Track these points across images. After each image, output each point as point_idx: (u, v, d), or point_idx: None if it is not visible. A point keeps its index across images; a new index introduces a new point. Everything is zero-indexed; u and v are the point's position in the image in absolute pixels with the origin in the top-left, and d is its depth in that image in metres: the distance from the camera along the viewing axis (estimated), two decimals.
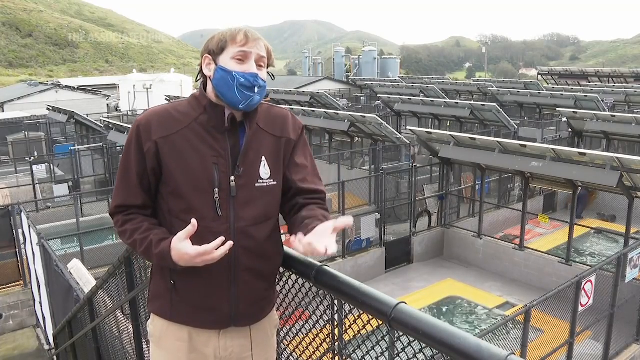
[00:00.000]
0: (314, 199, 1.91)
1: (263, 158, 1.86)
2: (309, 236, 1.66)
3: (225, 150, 1.80)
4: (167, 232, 1.80)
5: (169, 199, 1.83)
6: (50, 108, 27.67)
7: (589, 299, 7.67)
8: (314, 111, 20.09)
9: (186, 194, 1.79)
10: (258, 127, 1.88)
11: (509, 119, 19.39)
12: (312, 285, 1.81)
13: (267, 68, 1.88)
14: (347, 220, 1.69)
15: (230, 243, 1.68)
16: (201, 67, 1.88)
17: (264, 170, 1.85)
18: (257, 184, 1.84)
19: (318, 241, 1.62)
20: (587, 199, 16.15)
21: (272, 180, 1.86)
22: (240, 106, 1.79)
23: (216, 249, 1.66)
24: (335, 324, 1.99)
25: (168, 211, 1.84)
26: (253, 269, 1.85)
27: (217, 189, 1.78)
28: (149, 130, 1.80)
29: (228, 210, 1.80)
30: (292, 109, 21.61)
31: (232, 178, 1.80)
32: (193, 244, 1.74)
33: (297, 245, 1.65)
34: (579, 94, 24.22)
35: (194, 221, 1.67)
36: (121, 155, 1.88)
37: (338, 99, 31.89)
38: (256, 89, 1.79)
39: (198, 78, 1.92)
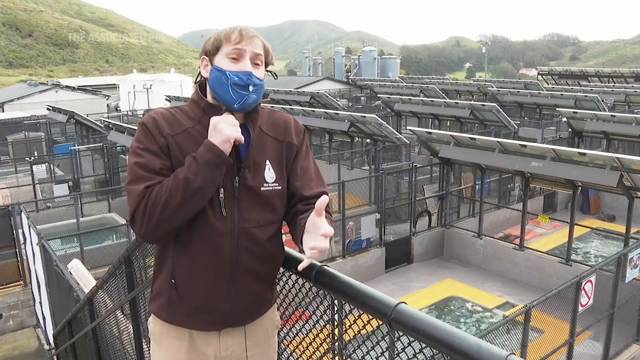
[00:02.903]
0: (314, 202, 1.91)
1: (267, 162, 1.86)
2: (305, 240, 1.68)
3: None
4: None
5: None
6: (50, 108, 27.67)
7: (589, 299, 7.67)
8: (314, 111, 20.09)
9: None
10: (261, 130, 1.88)
11: (509, 119, 19.40)
12: (312, 285, 1.81)
13: (266, 67, 1.87)
14: (323, 200, 1.68)
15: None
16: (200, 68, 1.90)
17: (269, 174, 1.85)
18: (262, 188, 1.83)
19: (315, 239, 1.65)
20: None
21: (277, 184, 1.86)
22: (235, 105, 1.78)
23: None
24: (335, 324, 1.99)
25: None
26: (254, 270, 1.85)
27: (222, 189, 1.78)
28: (158, 127, 1.78)
29: (232, 210, 1.80)
30: (292, 109, 21.61)
31: (237, 179, 1.80)
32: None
33: (305, 262, 1.67)
34: (579, 94, 24.22)
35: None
36: (129, 160, 1.80)
37: (338, 99, 31.88)
38: (251, 88, 1.77)
39: (197, 80, 1.92)
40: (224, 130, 1.70)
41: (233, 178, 1.79)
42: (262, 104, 1.94)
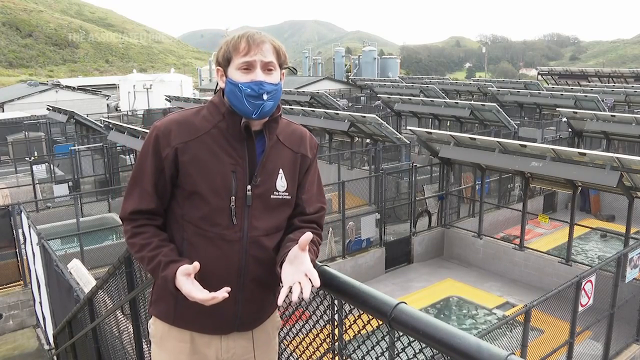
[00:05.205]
0: (310, 223, 1.93)
1: (280, 170, 1.86)
2: (285, 270, 1.70)
3: (244, 158, 1.80)
4: (176, 251, 1.79)
5: (184, 204, 1.82)
6: (50, 108, 27.68)
7: (589, 299, 7.67)
8: (314, 111, 20.09)
9: (203, 200, 1.78)
10: (277, 139, 1.88)
11: (509, 119, 19.41)
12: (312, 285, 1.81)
13: (282, 67, 1.86)
14: (307, 236, 1.68)
15: (227, 289, 1.68)
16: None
17: (281, 183, 1.86)
18: (272, 196, 1.84)
19: (293, 282, 1.64)
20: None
21: (287, 194, 1.87)
22: (253, 116, 1.78)
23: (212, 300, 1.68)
24: (335, 324, 1.99)
25: (182, 216, 1.83)
26: (260, 278, 1.86)
27: (233, 197, 1.77)
28: (168, 136, 1.79)
29: (242, 219, 1.80)
30: (292, 109, 21.61)
31: (249, 187, 1.80)
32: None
33: (282, 297, 1.63)
34: (579, 94, 24.24)
35: (196, 264, 1.67)
36: (136, 160, 1.86)
37: (338, 99, 31.89)
38: (265, 96, 1.77)
39: (217, 90, 1.91)
40: (191, 292, 1.66)
41: (246, 186, 1.79)
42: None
